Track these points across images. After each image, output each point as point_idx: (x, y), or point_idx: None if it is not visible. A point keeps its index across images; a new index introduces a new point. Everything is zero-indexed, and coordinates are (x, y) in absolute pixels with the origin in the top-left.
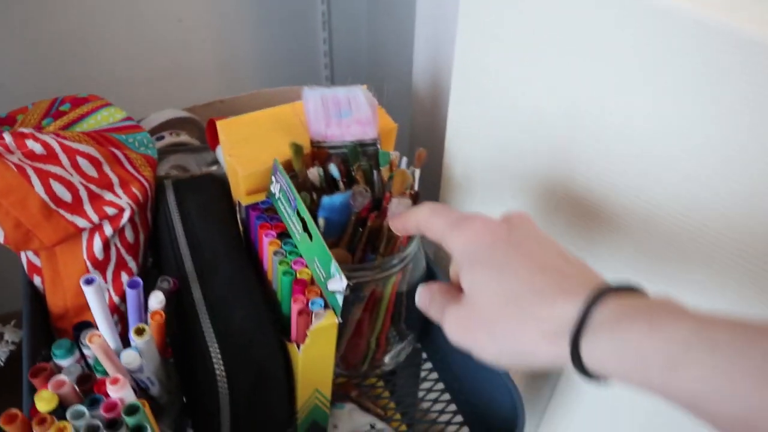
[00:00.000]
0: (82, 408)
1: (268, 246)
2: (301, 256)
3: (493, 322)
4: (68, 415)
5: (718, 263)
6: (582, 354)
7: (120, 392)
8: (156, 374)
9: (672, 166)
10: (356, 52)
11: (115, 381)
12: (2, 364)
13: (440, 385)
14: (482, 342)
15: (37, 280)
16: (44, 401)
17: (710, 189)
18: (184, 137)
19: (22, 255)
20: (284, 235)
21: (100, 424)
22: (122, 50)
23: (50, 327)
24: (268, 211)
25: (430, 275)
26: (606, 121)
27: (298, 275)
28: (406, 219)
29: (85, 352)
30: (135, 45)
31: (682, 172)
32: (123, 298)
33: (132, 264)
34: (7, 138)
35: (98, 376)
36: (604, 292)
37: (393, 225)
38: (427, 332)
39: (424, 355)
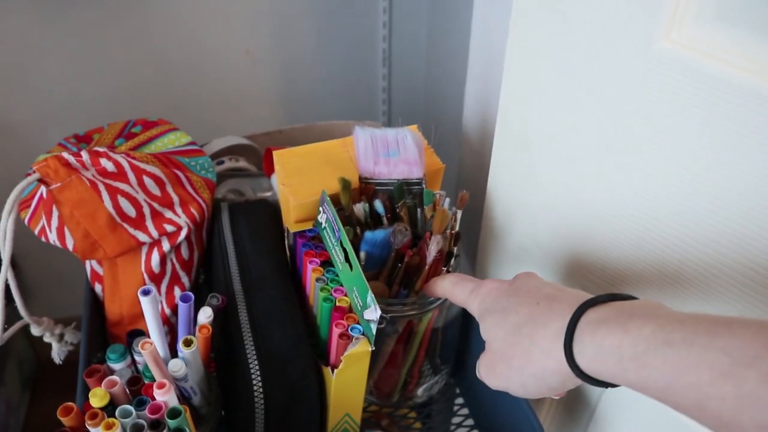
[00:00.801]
0: (130, 408)
1: (312, 273)
2: (341, 285)
3: (508, 357)
4: (117, 413)
5: None
6: (576, 361)
7: (165, 396)
8: (199, 385)
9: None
10: (413, 91)
11: (161, 386)
12: (60, 362)
13: (470, 421)
14: (506, 377)
15: (98, 288)
16: (97, 398)
17: None
18: (242, 163)
19: (87, 264)
20: (327, 263)
21: (145, 424)
22: (191, 78)
23: (106, 332)
24: (314, 239)
25: (466, 313)
26: (647, 188)
27: (337, 302)
28: (434, 288)
29: (136, 357)
30: (203, 74)
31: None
32: (174, 310)
33: (185, 279)
34: (84, 156)
35: (146, 381)
36: (588, 305)
37: (425, 292)
38: (462, 367)
39: (457, 390)
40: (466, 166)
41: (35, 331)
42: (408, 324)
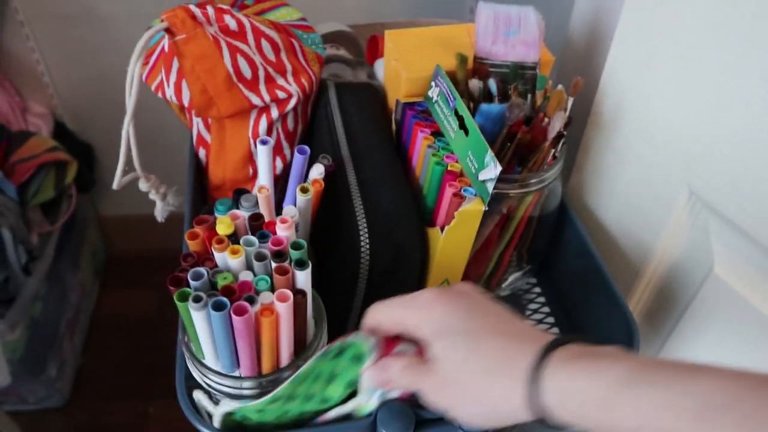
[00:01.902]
0: (254, 238)
1: (422, 141)
2: (452, 152)
3: (460, 386)
4: (242, 241)
5: None
6: (538, 402)
7: (287, 231)
8: (304, 238)
9: None
10: None
11: (284, 221)
12: (163, 220)
13: (551, 319)
14: (453, 404)
15: (201, 153)
16: (224, 225)
17: None
18: (342, 51)
19: (194, 128)
20: (437, 134)
21: (268, 253)
22: None
23: (206, 198)
24: (423, 113)
25: (562, 210)
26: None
27: (449, 167)
28: (366, 324)
29: (243, 213)
30: None
31: None
32: (274, 181)
33: (287, 151)
34: (210, 10)
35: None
36: (552, 345)
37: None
38: (547, 269)
39: (539, 289)
40: (568, 64)
41: (143, 186)
42: (509, 209)
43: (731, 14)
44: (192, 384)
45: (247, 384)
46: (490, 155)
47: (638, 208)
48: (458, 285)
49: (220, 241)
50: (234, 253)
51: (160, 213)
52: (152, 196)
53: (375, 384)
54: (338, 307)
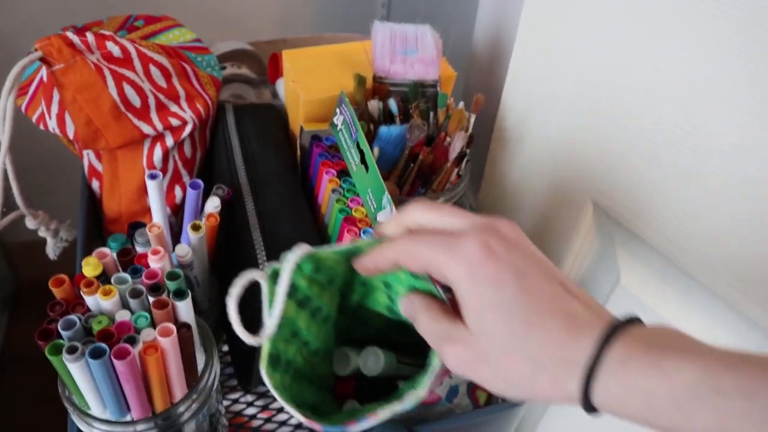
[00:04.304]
0: (126, 275)
1: (327, 184)
2: (357, 195)
3: (504, 367)
4: (113, 280)
5: None
6: (592, 397)
7: (160, 263)
8: (201, 276)
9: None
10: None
11: (155, 252)
12: (55, 258)
13: None
14: (492, 382)
15: (95, 185)
16: (90, 266)
17: None
18: (245, 70)
19: (85, 159)
20: (344, 173)
21: (144, 289)
22: None
23: (102, 231)
24: (330, 149)
25: None
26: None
27: (353, 212)
28: (376, 258)
29: (138, 249)
30: None
31: None
32: (174, 210)
33: (186, 179)
34: (90, 37)
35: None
36: (611, 333)
37: (360, 266)
38: None
39: None
40: (474, 78)
41: (30, 224)
42: None
43: (626, 25)
44: None
45: (141, 427)
46: (386, 198)
47: (547, 221)
48: (506, 228)
49: (88, 284)
50: (106, 294)
51: (51, 251)
52: (42, 233)
53: (402, 309)
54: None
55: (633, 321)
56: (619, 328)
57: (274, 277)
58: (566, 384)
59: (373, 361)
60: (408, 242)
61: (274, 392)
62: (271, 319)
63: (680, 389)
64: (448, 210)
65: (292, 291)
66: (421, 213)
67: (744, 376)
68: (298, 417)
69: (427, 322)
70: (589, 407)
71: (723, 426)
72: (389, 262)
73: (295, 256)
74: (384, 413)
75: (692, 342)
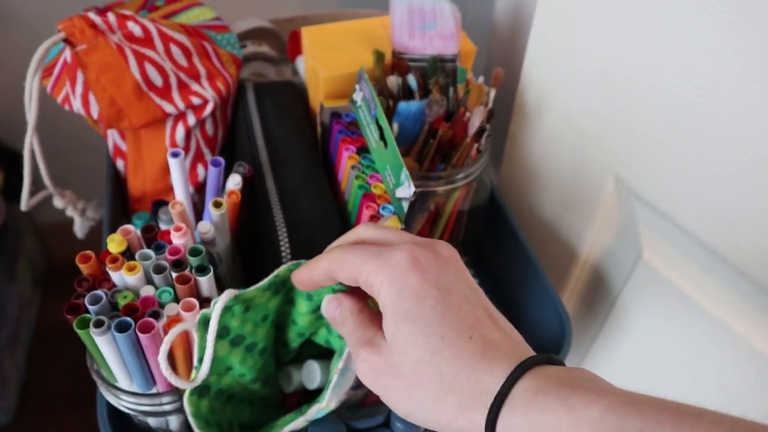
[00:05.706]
0: (149, 251)
1: (347, 160)
2: (377, 171)
3: (412, 384)
4: (137, 256)
5: None
6: (497, 427)
7: (183, 239)
8: (225, 253)
9: None
10: None
11: (178, 228)
12: (83, 237)
13: None
14: (396, 398)
15: (120, 164)
16: (115, 243)
17: None
18: (265, 48)
19: (109, 139)
20: (363, 149)
21: (167, 264)
22: None
23: (127, 209)
24: (350, 125)
25: (493, 201)
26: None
27: (372, 188)
28: (311, 268)
29: (162, 226)
30: None
31: None
32: (197, 189)
33: (209, 157)
34: (111, 17)
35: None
36: (526, 366)
37: (297, 279)
38: (481, 259)
39: (477, 280)
40: (495, 53)
41: (58, 203)
42: (436, 205)
43: None
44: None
45: (166, 399)
46: (405, 174)
47: (568, 197)
48: (441, 246)
49: (114, 260)
50: (130, 269)
51: (79, 229)
52: (69, 212)
53: (324, 312)
54: None
55: (552, 360)
56: (535, 363)
57: (205, 323)
58: (472, 410)
59: (308, 375)
60: (339, 251)
61: (191, 419)
62: (202, 365)
63: (584, 425)
64: (392, 229)
65: (224, 332)
66: (365, 230)
67: (647, 415)
68: None
69: (352, 326)
70: None
71: None
72: (322, 271)
73: (221, 301)
74: (289, 427)
75: (604, 383)
